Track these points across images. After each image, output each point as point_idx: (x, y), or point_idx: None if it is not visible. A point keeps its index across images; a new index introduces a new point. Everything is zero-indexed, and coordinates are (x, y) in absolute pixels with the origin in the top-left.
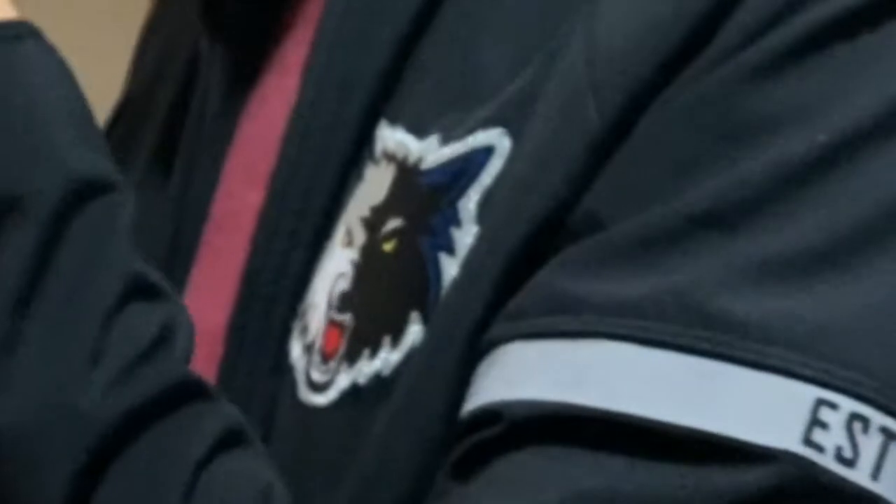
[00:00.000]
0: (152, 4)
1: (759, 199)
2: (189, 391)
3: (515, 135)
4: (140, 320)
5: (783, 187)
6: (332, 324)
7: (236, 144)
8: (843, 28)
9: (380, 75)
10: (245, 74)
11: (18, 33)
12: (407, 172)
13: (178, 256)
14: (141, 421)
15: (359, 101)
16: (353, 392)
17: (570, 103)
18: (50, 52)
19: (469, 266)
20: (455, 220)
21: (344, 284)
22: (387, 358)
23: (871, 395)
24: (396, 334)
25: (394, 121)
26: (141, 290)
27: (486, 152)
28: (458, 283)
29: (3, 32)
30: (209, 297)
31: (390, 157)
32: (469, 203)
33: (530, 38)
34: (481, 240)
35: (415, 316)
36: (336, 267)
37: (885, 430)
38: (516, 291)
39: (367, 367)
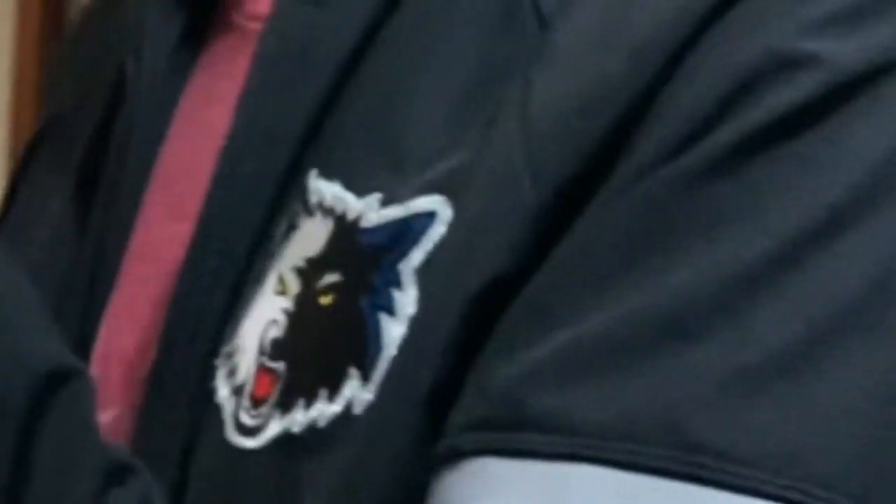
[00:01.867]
0: (71, 27)
1: (713, 306)
2: None
3: (457, 204)
4: None
5: (736, 293)
6: (263, 369)
7: (157, 175)
8: (785, 128)
9: (307, 124)
10: (168, 103)
11: None
12: (346, 229)
13: (99, 284)
14: None
15: (285, 149)
16: (286, 439)
17: (506, 176)
18: None
19: (415, 333)
20: (396, 282)
21: (276, 332)
22: (323, 410)
23: None
24: (333, 388)
25: (327, 174)
26: (117, 477)
27: (429, 217)
28: (405, 348)
29: None
30: (125, 324)
31: (327, 211)
32: (410, 266)
33: (464, 103)
34: (426, 307)
35: (353, 372)
36: (267, 313)
37: None
38: (466, 362)
39: (302, 417)
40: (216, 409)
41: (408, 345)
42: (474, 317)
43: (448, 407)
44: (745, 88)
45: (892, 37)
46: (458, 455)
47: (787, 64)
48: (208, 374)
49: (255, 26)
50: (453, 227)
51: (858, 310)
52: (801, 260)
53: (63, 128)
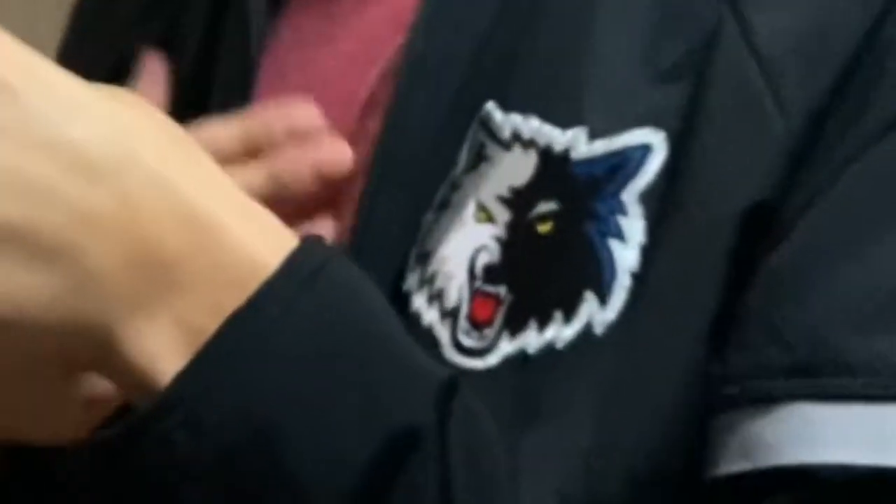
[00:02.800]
0: None
1: None
2: None
3: (677, 137)
4: None
5: None
6: (481, 294)
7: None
8: None
9: (477, 53)
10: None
11: (325, 257)
12: (554, 160)
13: None
14: None
15: (459, 79)
16: (521, 359)
17: (750, 109)
18: (345, 257)
19: (651, 258)
20: (620, 210)
21: (488, 258)
22: (559, 331)
23: None
24: (569, 310)
25: (516, 107)
26: None
27: (644, 150)
28: (645, 274)
29: (315, 259)
30: None
31: (527, 143)
32: (631, 195)
33: (649, 37)
34: (661, 234)
35: (589, 295)
36: (472, 240)
37: None
38: (731, 289)
39: (536, 338)
40: (425, 333)
41: (648, 271)
42: (735, 241)
43: (715, 334)
44: None
45: None
46: (766, 400)
47: None
48: (399, 294)
49: None
50: (676, 157)
51: None
52: None
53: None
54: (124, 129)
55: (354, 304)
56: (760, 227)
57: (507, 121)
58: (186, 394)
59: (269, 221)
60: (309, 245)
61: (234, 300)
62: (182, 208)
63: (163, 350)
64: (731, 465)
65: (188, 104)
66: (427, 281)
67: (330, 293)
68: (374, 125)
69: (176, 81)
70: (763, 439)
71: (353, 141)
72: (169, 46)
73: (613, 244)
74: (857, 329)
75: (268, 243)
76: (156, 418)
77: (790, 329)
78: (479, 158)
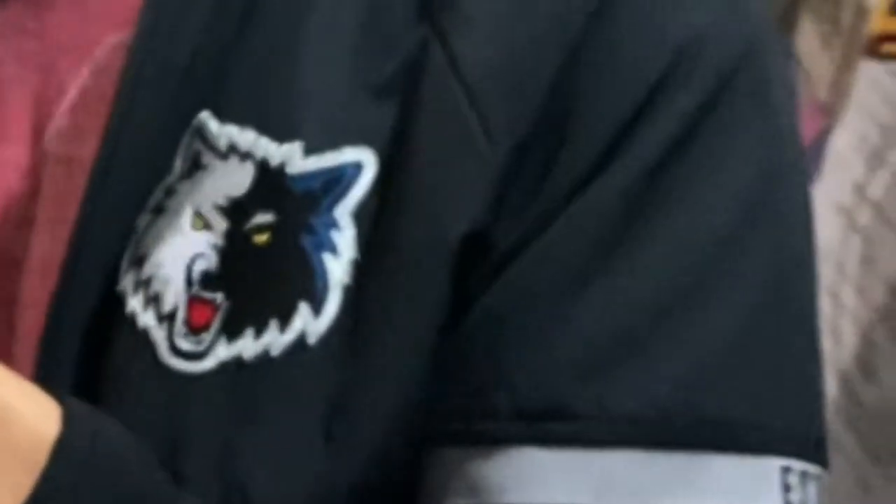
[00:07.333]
0: None
1: (692, 282)
2: None
3: (386, 157)
4: None
5: (705, 268)
6: (198, 299)
7: None
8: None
9: (193, 64)
10: None
11: (93, 431)
12: (271, 173)
13: None
14: None
15: (177, 88)
16: (237, 364)
17: (460, 136)
18: (108, 421)
19: (363, 273)
20: (334, 225)
21: (206, 265)
22: (274, 339)
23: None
24: (283, 319)
25: (234, 118)
26: None
27: (356, 167)
28: (357, 287)
29: (85, 435)
30: None
31: (244, 155)
32: (344, 211)
33: (354, 59)
34: (371, 250)
35: (303, 305)
36: (190, 247)
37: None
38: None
39: (253, 345)
40: (140, 335)
41: (361, 285)
42: (453, 264)
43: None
44: (673, 70)
45: None
46: (492, 442)
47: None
48: (112, 298)
49: None
50: (387, 176)
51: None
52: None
53: None
54: None
55: (125, 476)
56: (476, 251)
57: (223, 131)
58: None
59: (33, 388)
60: (77, 418)
61: (31, 480)
62: None
63: None
64: (459, 498)
65: None
66: (142, 284)
67: (102, 473)
68: (88, 121)
69: None
70: (490, 479)
71: (62, 135)
72: None
73: (327, 257)
74: (577, 375)
75: (48, 416)
76: None
77: (514, 374)
78: (195, 167)
